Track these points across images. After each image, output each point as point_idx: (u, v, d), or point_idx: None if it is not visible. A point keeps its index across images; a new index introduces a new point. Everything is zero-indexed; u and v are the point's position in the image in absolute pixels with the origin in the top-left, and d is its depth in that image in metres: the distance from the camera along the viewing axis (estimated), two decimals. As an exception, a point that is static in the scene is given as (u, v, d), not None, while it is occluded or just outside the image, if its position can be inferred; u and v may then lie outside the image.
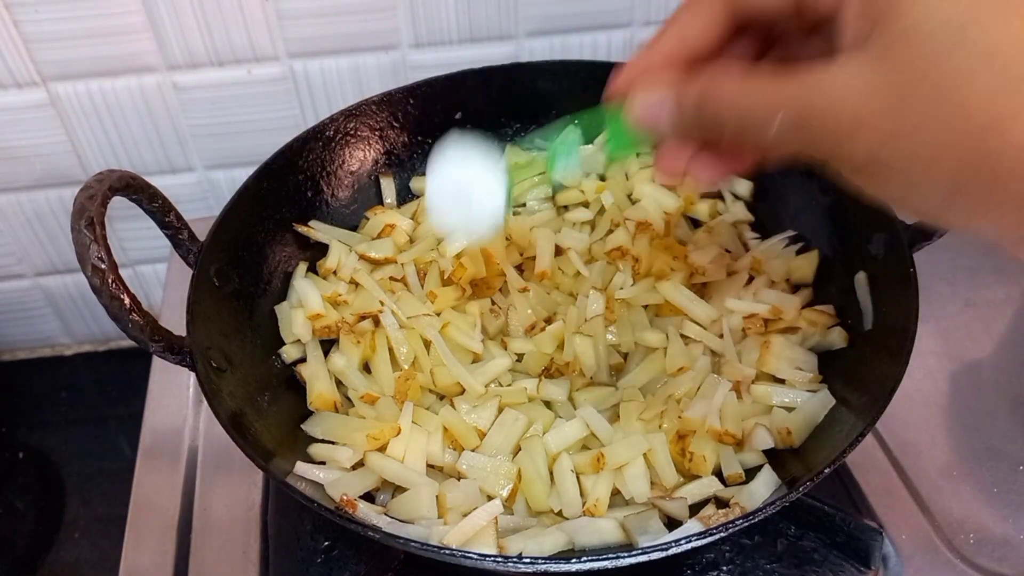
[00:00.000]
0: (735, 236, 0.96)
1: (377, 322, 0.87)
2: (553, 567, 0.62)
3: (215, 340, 0.77)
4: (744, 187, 0.99)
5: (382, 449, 0.77)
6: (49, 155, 1.12)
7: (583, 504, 0.74)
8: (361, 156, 0.99)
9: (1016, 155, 0.39)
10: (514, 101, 1.04)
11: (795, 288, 0.90)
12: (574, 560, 0.61)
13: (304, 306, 0.88)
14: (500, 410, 0.81)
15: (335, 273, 0.92)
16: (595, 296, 0.90)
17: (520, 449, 0.78)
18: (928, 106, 0.40)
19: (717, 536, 0.63)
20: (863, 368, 0.78)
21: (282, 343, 0.86)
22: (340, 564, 0.80)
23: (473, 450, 0.78)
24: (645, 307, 0.91)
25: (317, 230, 0.94)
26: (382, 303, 0.88)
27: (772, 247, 0.93)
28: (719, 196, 1.00)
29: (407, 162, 1.03)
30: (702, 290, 0.91)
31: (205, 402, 0.85)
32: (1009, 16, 0.39)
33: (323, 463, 0.77)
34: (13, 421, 1.21)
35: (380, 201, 1.01)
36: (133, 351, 0.86)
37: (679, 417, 0.79)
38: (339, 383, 0.84)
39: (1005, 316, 1.02)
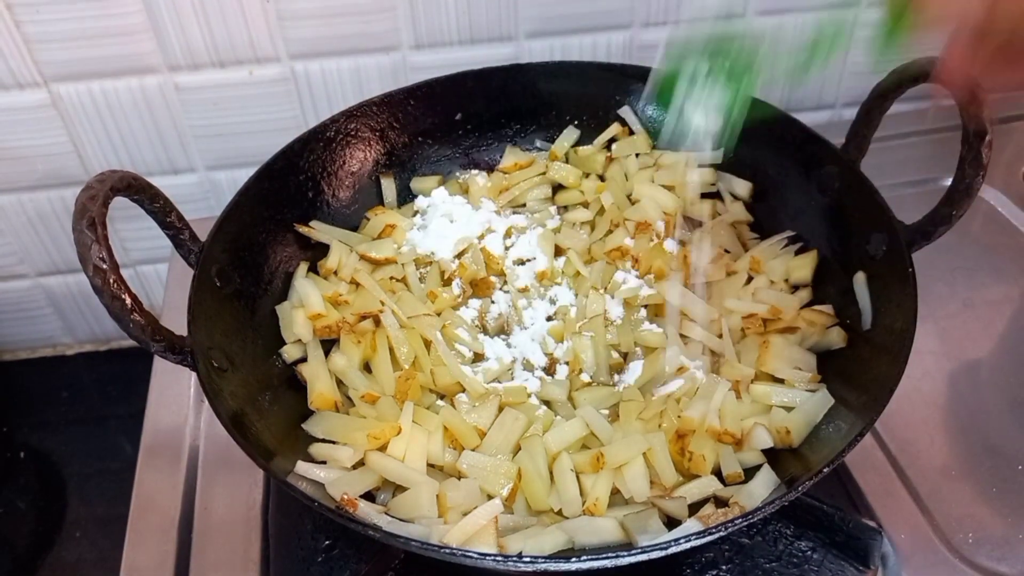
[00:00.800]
0: (734, 236, 0.96)
1: (378, 322, 0.87)
2: (553, 566, 0.63)
3: (216, 340, 0.77)
4: (743, 187, 0.99)
5: (383, 448, 0.77)
6: (51, 155, 1.12)
7: (583, 503, 0.75)
8: (362, 157, 0.99)
9: None
10: (514, 102, 1.05)
11: (794, 288, 0.90)
12: (574, 559, 0.61)
13: (305, 306, 0.88)
14: (500, 410, 0.81)
15: (336, 273, 0.93)
16: (595, 296, 0.90)
17: (520, 448, 0.78)
18: None
19: (716, 535, 0.63)
20: (862, 368, 0.78)
21: (283, 343, 0.87)
22: (340, 563, 0.80)
23: (473, 449, 0.78)
24: (645, 307, 0.91)
25: (318, 230, 0.94)
26: (383, 303, 0.88)
27: (771, 247, 0.93)
28: (718, 196, 1.00)
29: (407, 163, 1.03)
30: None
31: (206, 402, 0.86)
32: None
33: (324, 462, 0.77)
34: (14, 421, 1.22)
35: (381, 201, 1.01)
36: (134, 351, 0.87)
37: (678, 417, 0.79)
38: (340, 383, 0.85)
39: (1003, 316, 1.02)
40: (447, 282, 0.93)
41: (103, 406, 1.25)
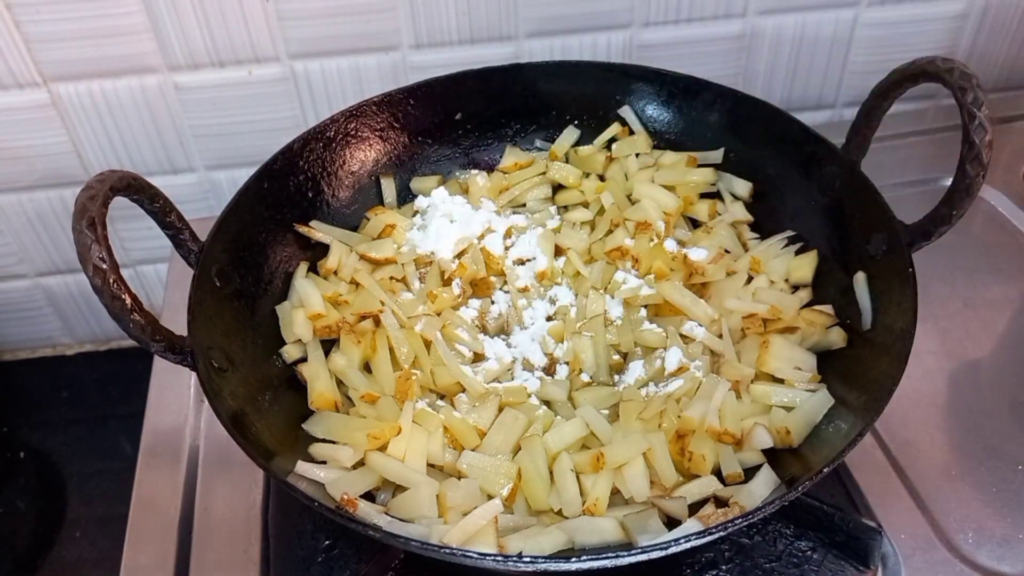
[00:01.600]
0: (734, 236, 0.96)
1: (377, 322, 0.87)
2: (553, 566, 0.63)
3: (216, 340, 0.77)
4: (743, 187, 0.99)
5: (383, 448, 0.77)
6: (50, 155, 1.12)
7: (583, 503, 0.75)
8: (362, 157, 0.99)
9: None
10: (514, 101, 1.05)
11: (794, 288, 0.90)
12: (573, 559, 0.61)
13: (305, 306, 0.88)
14: (500, 410, 0.81)
15: (336, 273, 0.93)
16: (595, 296, 0.90)
17: (520, 448, 0.78)
18: None
19: (716, 535, 0.63)
20: (862, 368, 0.78)
21: (283, 343, 0.87)
22: (340, 563, 0.80)
23: (473, 449, 0.78)
24: (645, 307, 0.91)
25: (318, 230, 0.94)
26: (382, 303, 0.88)
27: (771, 247, 0.93)
28: (718, 196, 1.00)
29: (407, 162, 1.03)
30: (702, 290, 0.91)
31: (206, 402, 0.86)
32: None
33: (324, 462, 0.77)
34: (14, 421, 1.22)
35: (380, 201, 1.01)
36: (134, 351, 0.87)
37: (678, 417, 0.79)
38: (340, 383, 0.85)
39: (1004, 316, 1.02)
40: (447, 282, 0.93)
41: (103, 406, 1.25)
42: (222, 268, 0.82)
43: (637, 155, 1.03)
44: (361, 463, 0.77)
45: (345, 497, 0.71)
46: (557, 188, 1.04)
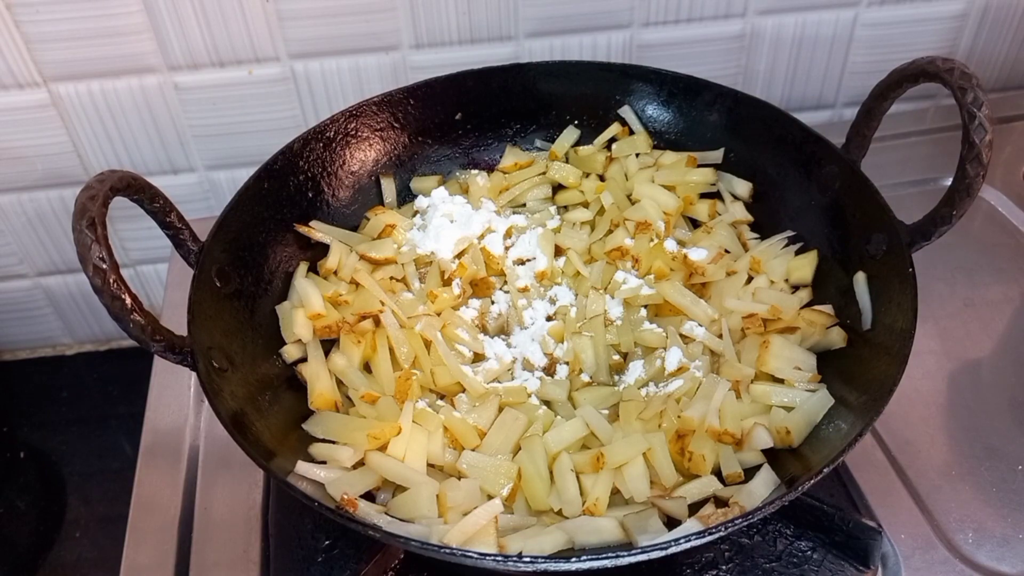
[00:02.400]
0: (734, 236, 0.96)
1: (377, 322, 0.87)
2: (552, 566, 0.63)
3: (216, 340, 0.77)
4: (743, 188, 0.99)
5: (383, 448, 0.77)
6: (50, 155, 1.12)
7: (583, 503, 0.75)
8: (362, 156, 0.99)
9: None
10: (514, 101, 1.05)
11: (794, 288, 0.90)
12: (574, 559, 0.61)
13: (305, 306, 0.88)
14: (500, 410, 0.81)
15: (336, 273, 0.93)
16: (595, 296, 0.90)
17: (520, 448, 0.78)
18: None
19: (716, 535, 0.63)
20: (862, 368, 0.78)
21: (283, 343, 0.87)
22: (340, 563, 0.80)
23: (473, 449, 0.78)
24: (645, 307, 0.91)
25: (318, 230, 0.94)
26: (382, 303, 0.88)
27: (771, 247, 0.93)
28: (718, 196, 1.00)
29: (407, 162, 1.03)
30: (702, 290, 0.91)
31: (206, 402, 0.86)
32: None
33: (324, 462, 0.77)
34: (14, 421, 1.22)
35: (380, 201, 1.01)
36: (134, 351, 0.87)
37: (678, 417, 0.79)
38: (340, 383, 0.85)
39: (1004, 316, 1.02)
40: (447, 282, 0.93)
41: (103, 406, 1.25)
42: (222, 268, 0.82)
43: (637, 155, 1.03)
44: (361, 463, 0.77)
45: (345, 497, 0.71)
46: (557, 188, 1.04)
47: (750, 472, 0.76)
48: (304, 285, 0.90)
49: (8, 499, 1.13)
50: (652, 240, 0.94)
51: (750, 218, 0.98)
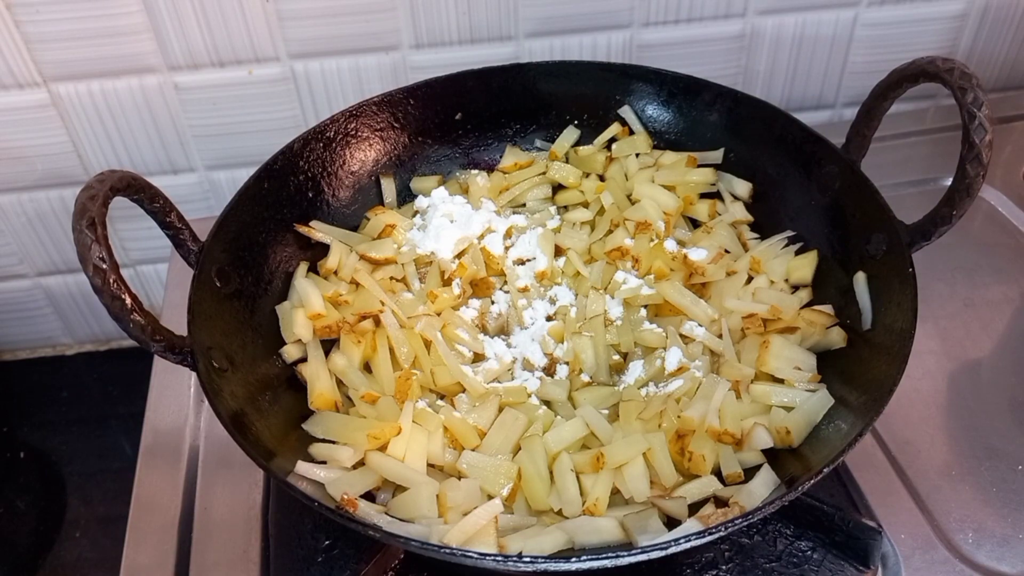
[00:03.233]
0: (734, 236, 0.96)
1: (378, 322, 0.87)
2: (552, 566, 0.63)
3: (216, 340, 0.77)
4: (743, 188, 0.99)
5: (383, 448, 0.77)
6: (50, 155, 1.12)
7: (583, 503, 0.75)
8: (362, 156, 0.99)
9: None
10: (514, 101, 1.05)
11: (794, 288, 0.90)
12: (574, 559, 0.61)
13: (305, 306, 0.88)
14: (500, 409, 0.81)
15: (336, 273, 0.93)
16: (595, 296, 0.90)
17: (520, 448, 0.78)
18: None
19: (716, 535, 0.63)
20: (862, 368, 0.78)
21: (283, 343, 0.87)
22: (340, 563, 0.80)
23: (473, 449, 0.78)
24: (645, 307, 0.91)
25: (318, 230, 0.94)
26: (382, 303, 0.88)
27: (771, 247, 0.93)
28: (718, 196, 1.00)
29: (407, 162, 1.03)
30: (702, 290, 0.91)
31: (206, 402, 0.86)
32: None
33: (324, 462, 0.77)
34: (14, 421, 1.22)
35: (381, 201, 1.01)
36: (134, 351, 0.87)
37: (678, 417, 0.79)
38: (340, 383, 0.85)
39: (1004, 316, 1.02)
40: (447, 282, 0.93)
41: (103, 406, 1.25)
42: (222, 268, 0.82)
43: (637, 155, 1.03)
44: (361, 463, 0.77)
45: (345, 497, 0.71)
46: (557, 188, 1.04)
47: (750, 472, 0.76)
48: (304, 285, 0.90)
49: (8, 499, 1.13)
50: (652, 240, 0.94)
51: (750, 218, 0.98)
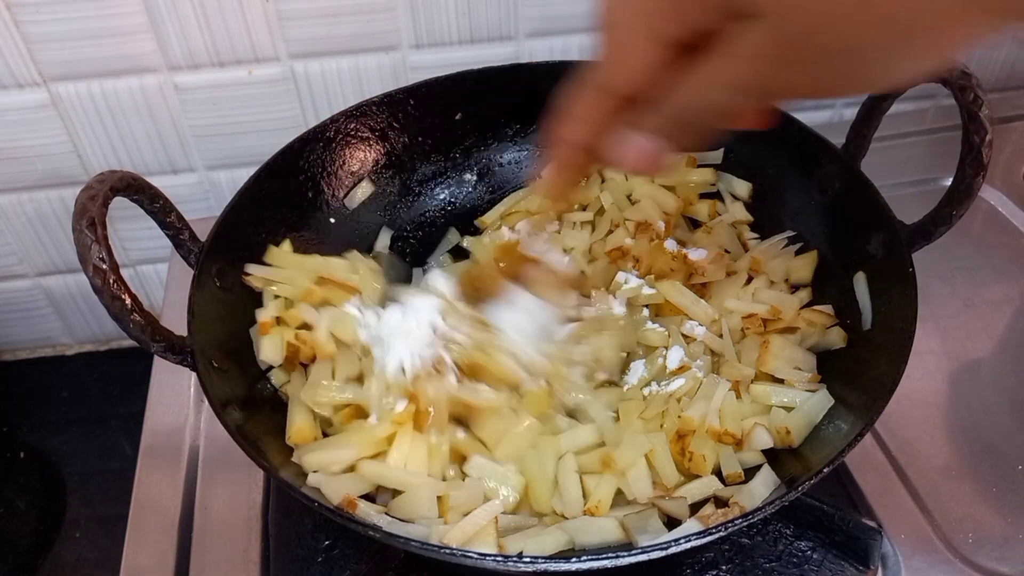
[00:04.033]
0: (734, 236, 0.96)
1: None
2: (553, 566, 0.63)
3: (216, 340, 0.77)
4: (743, 188, 0.99)
5: (382, 455, 0.75)
6: (50, 155, 1.12)
7: (584, 504, 0.74)
8: (362, 157, 0.99)
9: None
10: (514, 101, 1.04)
11: (794, 288, 0.90)
12: (574, 559, 0.61)
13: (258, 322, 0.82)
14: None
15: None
16: (599, 296, 0.90)
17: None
18: None
19: (716, 535, 0.63)
20: (862, 368, 0.78)
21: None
22: (341, 563, 0.80)
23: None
24: (647, 307, 0.91)
25: (258, 276, 0.85)
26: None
27: (771, 247, 0.93)
28: (718, 196, 1.00)
29: (407, 163, 1.03)
30: (702, 290, 0.91)
31: (206, 402, 0.86)
32: None
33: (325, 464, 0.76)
34: (14, 421, 1.22)
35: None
36: (134, 351, 0.86)
37: (679, 417, 0.79)
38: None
39: (1004, 316, 1.02)
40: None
41: (103, 406, 1.25)
42: (222, 268, 0.82)
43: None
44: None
45: (347, 498, 0.71)
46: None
47: (750, 472, 0.76)
48: (268, 308, 0.84)
49: (8, 499, 1.13)
50: (652, 240, 0.94)
51: (750, 218, 0.98)
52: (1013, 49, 1.28)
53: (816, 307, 0.86)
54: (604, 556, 0.62)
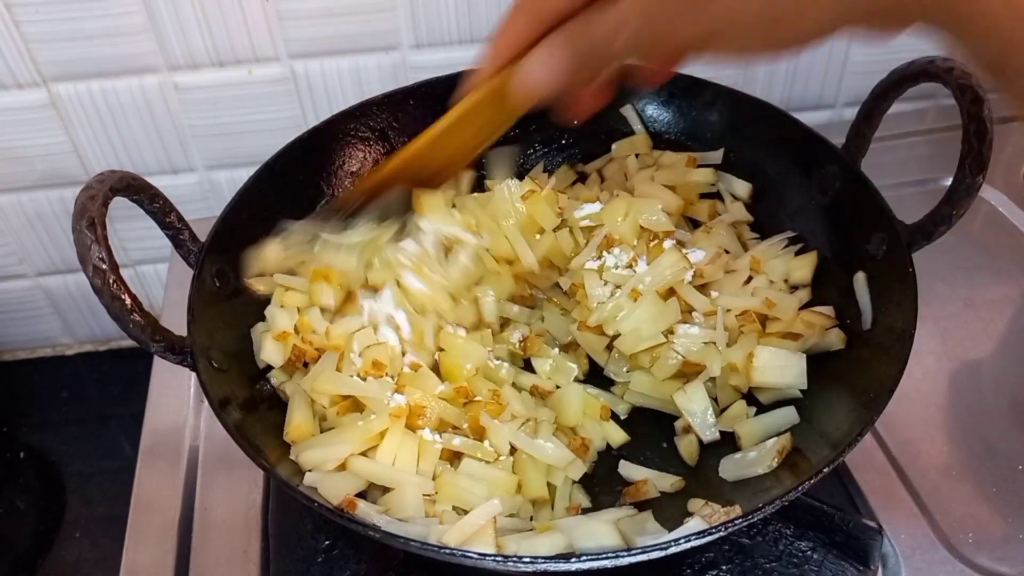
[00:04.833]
0: (734, 236, 0.96)
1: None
2: (552, 566, 0.63)
3: (216, 340, 0.77)
4: (743, 188, 0.99)
5: (372, 452, 0.75)
6: (50, 155, 1.12)
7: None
8: (362, 157, 0.99)
9: None
10: (514, 101, 1.04)
11: (794, 288, 0.90)
12: (573, 559, 0.61)
13: (271, 328, 0.83)
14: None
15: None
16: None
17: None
18: None
19: (716, 535, 0.63)
20: (862, 368, 0.78)
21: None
22: (340, 563, 0.80)
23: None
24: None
25: (260, 284, 0.86)
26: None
27: (771, 247, 0.93)
28: (718, 196, 1.00)
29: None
30: (702, 290, 0.90)
31: (206, 402, 0.86)
32: None
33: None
34: (14, 421, 1.22)
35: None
36: (134, 351, 0.87)
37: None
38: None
39: (1004, 316, 1.02)
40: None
41: (103, 406, 1.25)
42: (222, 268, 0.82)
43: (637, 155, 1.03)
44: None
45: (347, 498, 0.71)
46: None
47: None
48: (273, 312, 0.84)
49: (8, 499, 1.13)
50: (652, 240, 0.94)
51: (750, 218, 0.98)
52: (1013, 49, 1.28)
53: (816, 308, 0.86)
54: (604, 556, 0.62)
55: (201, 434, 0.94)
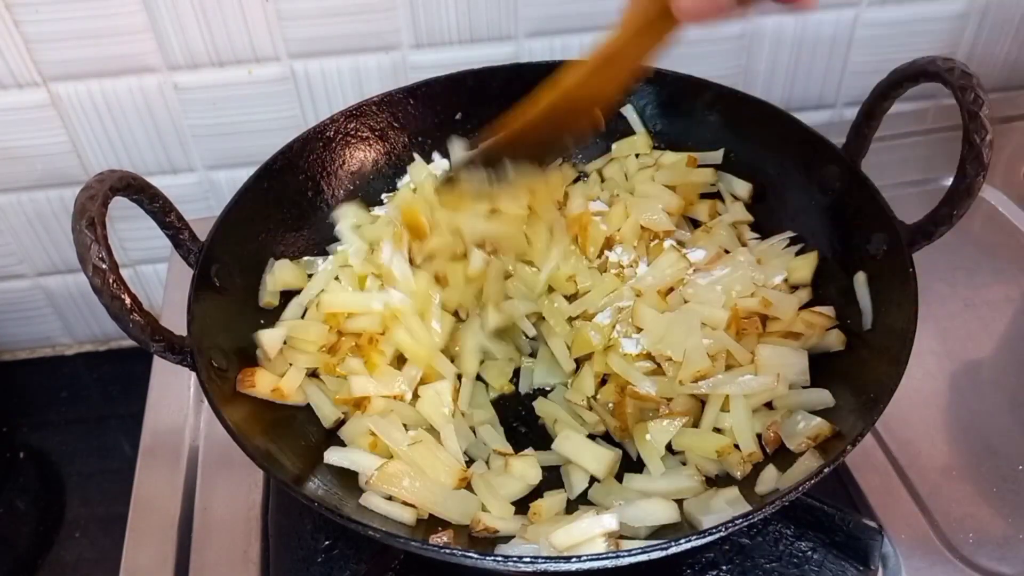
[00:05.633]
0: (734, 236, 0.96)
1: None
2: (553, 566, 0.63)
3: (216, 340, 0.77)
4: (743, 188, 0.99)
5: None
6: (50, 155, 1.12)
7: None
8: (361, 156, 0.99)
9: None
10: (514, 102, 1.04)
11: (794, 288, 0.90)
12: (574, 559, 0.61)
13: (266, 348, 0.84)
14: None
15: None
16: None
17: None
18: None
19: (716, 535, 0.63)
20: (862, 368, 0.78)
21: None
22: (340, 563, 0.80)
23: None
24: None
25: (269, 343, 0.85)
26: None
27: (771, 247, 0.93)
28: (718, 196, 1.00)
29: (407, 162, 1.03)
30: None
31: (206, 402, 0.86)
32: None
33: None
34: (14, 421, 1.22)
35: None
36: (134, 351, 0.86)
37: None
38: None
39: (1004, 316, 1.02)
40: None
41: (103, 406, 1.25)
42: (222, 268, 0.82)
43: (637, 155, 1.03)
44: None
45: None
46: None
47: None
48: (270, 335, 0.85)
49: (8, 499, 1.13)
50: (652, 240, 0.94)
51: (750, 218, 0.98)
52: (1013, 49, 1.28)
53: (816, 308, 0.86)
54: (604, 556, 0.62)
55: (201, 434, 0.94)
